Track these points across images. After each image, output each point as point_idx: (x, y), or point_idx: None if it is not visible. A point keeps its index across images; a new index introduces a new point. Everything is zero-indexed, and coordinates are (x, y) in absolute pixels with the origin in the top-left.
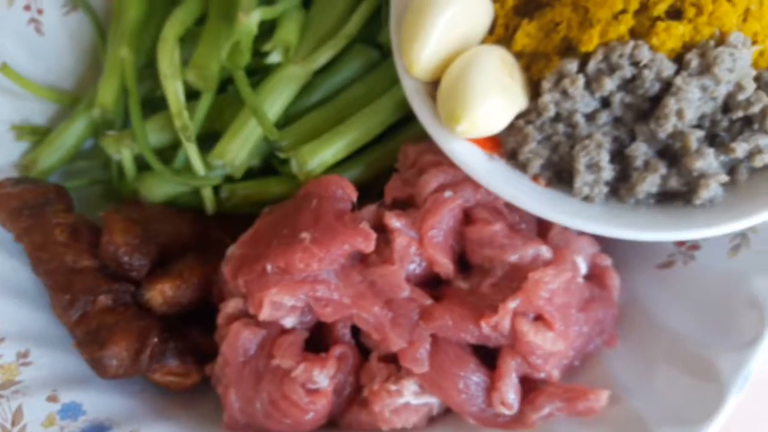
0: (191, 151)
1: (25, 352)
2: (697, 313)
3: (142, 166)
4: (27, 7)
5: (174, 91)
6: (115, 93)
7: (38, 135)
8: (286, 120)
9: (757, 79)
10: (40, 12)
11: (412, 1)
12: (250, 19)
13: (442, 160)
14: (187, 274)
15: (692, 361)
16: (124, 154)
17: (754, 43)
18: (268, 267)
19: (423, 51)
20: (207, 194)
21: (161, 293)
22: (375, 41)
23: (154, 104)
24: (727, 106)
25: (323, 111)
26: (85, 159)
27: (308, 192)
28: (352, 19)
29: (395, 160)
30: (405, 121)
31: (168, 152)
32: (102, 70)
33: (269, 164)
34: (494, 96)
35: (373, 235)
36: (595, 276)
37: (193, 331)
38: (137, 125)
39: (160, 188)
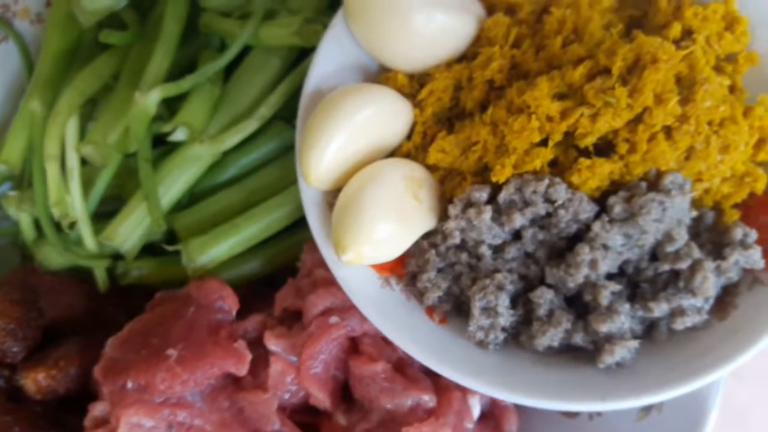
0: (83, 228)
1: None
2: None
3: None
4: None
5: (55, 174)
6: (21, 148)
7: None
8: (192, 198)
9: (697, 220)
10: None
11: (321, 100)
12: (148, 99)
13: (334, 280)
14: (64, 363)
15: None
16: (22, 218)
17: (699, 181)
18: (129, 383)
19: (321, 162)
20: (99, 273)
21: (35, 382)
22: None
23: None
24: (655, 254)
25: (229, 194)
26: None
27: (188, 295)
28: (269, 100)
29: (299, 253)
30: None
31: None
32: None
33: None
34: (388, 225)
35: (248, 358)
36: (492, 416)
37: (72, 418)
38: (38, 189)
39: (56, 258)
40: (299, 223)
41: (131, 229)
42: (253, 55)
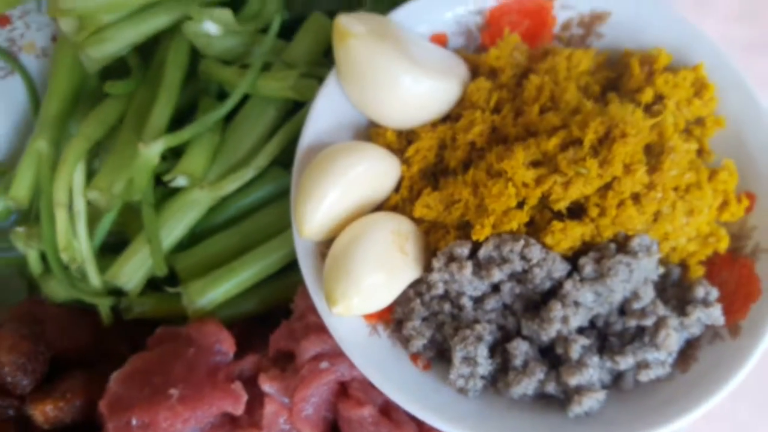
0: (89, 267)
1: None
2: None
3: None
4: None
5: (64, 221)
6: (29, 186)
7: None
8: (191, 237)
9: (664, 275)
10: None
11: (315, 156)
12: (151, 151)
13: (324, 327)
14: (70, 395)
15: None
16: (30, 254)
17: (666, 240)
18: (133, 420)
19: (315, 216)
20: (103, 309)
21: (43, 413)
22: (291, 164)
23: None
24: (623, 310)
25: (226, 236)
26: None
27: (188, 336)
28: (266, 149)
29: (293, 293)
30: None
31: None
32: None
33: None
34: (376, 278)
35: (243, 398)
36: None
37: None
38: (45, 227)
39: (62, 291)
40: (292, 265)
41: (135, 270)
42: (250, 105)
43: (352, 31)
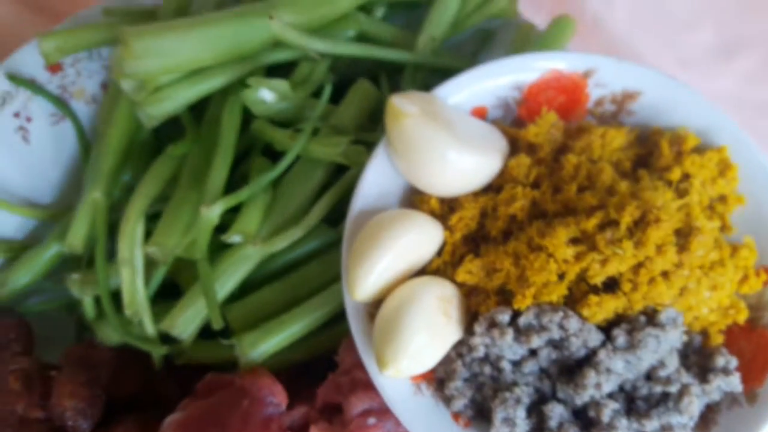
0: (145, 318)
1: None
2: None
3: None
4: (17, 114)
5: (130, 278)
6: (84, 235)
7: (13, 251)
8: (239, 288)
9: (687, 343)
10: (28, 120)
11: (366, 224)
12: (212, 212)
13: (371, 383)
14: None
15: None
16: (85, 300)
17: (689, 310)
18: None
19: (367, 280)
20: (156, 356)
21: None
22: (335, 221)
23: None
24: (649, 376)
25: (274, 288)
26: (50, 280)
27: (242, 388)
28: (316, 209)
29: (333, 347)
30: None
31: None
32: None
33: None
34: (423, 342)
35: None
36: None
37: None
38: (101, 275)
39: (116, 335)
40: (336, 317)
41: (189, 321)
42: (299, 165)
43: (406, 111)
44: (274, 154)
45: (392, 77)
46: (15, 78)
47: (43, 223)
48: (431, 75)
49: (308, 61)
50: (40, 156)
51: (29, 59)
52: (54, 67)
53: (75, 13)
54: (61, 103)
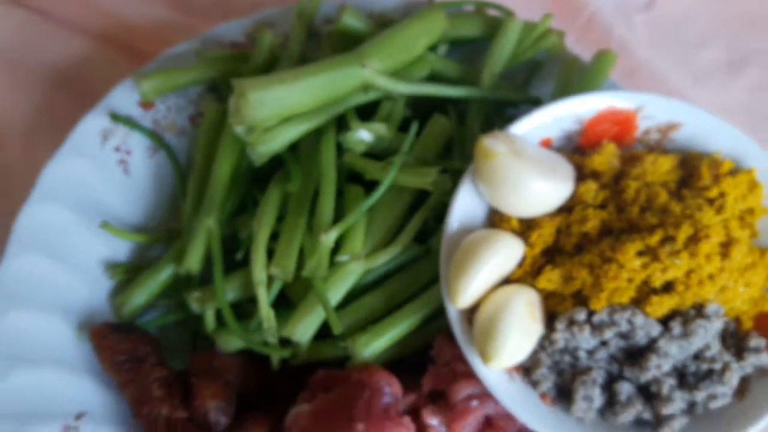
0: (269, 329)
1: None
2: None
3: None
4: (117, 149)
5: (264, 297)
6: (200, 258)
7: (127, 273)
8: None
9: (725, 330)
10: (128, 153)
11: (464, 242)
12: (329, 238)
13: (471, 373)
14: (257, 430)
15: None
16: (207, 314)
17: (727, 303)
18: None
19: (467, 290)
20: (274, 359)
21: None
22: (418, 238)
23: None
24: (697, 356)
25: (374, 297)
26: (165, 298)
27: (361, 381)
28: (406, 231)
29: (425, 342)
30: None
31: (242, 306)
32: (179, 211)
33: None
34: (519, 340)
35: (414, 429)
36: None
37: None
38: (220, 291)
39: (234, 342)
40: (427, 318)
41: (307, 327)
42: (389, 192)
43: (496, 151)
44: (354, 181)
45: (457, 107)
46: (116, 116)
47: (146, 246)
48: (490, 104)
49: (389, 101)
50: (139, 185)
51: (124, 98)
52: (147, 105)
53: (159, 52)
54: (156, 137)
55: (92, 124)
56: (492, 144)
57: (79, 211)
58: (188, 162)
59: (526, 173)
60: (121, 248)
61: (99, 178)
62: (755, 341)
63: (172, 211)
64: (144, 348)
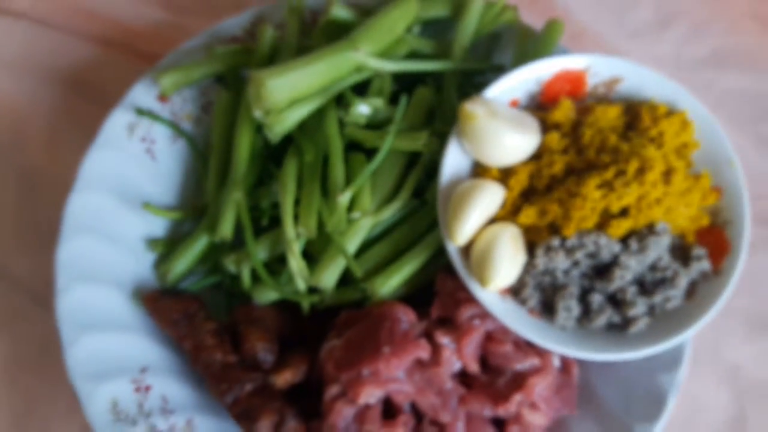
0: (299, 279)
1: (190, 420)
2: (623, 393)
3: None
4: (143, 139)
5: (296, 253)
6: (232, 226)
7: (166, 247)
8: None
9: (673, 244)
10: (153, 142)
11: (456, 192)
12: (345, 198)
13: (471, 298)
14: (299, 364)
15: (619, 424)
16: (243, 273)
17: (673, 222)
18: (365, 371)
19: (463, 230)
20: (305, 305)
21: (285, 380)
22: (416, 193)
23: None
24: (652, 267)
25: (382, 246)
26: (201, 264)
27: (382, 314)
28: (407, 186)
29: (428, 280)
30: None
31: (273, 264)
32: (201, 187)
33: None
34: (508, 266)
35: (429, 348)
36: (564, 366)
37: (301, 400)
38: (253, 252)
39: (269, 295)
40: (429, 260)
41: (331, 275)
42: (387, 156)
43: (476, 113)
44: (353, 149)
45: (434, 78)
46: (140, 110)
47: (178, 222)
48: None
49: (378, 78)
50: (166, 170)
51: (143, 94)
52: (163, 98)
53: (159, 51)
54: (175, 126)
55: (118, 119)
56: (472, 108)
57: (117, 196)
58: (205, 145)
59: (501, 130)
60: (157, 225)
61: (131, 166)
62: (697, 251)
63: (195, 190)
64: (193, 306)
